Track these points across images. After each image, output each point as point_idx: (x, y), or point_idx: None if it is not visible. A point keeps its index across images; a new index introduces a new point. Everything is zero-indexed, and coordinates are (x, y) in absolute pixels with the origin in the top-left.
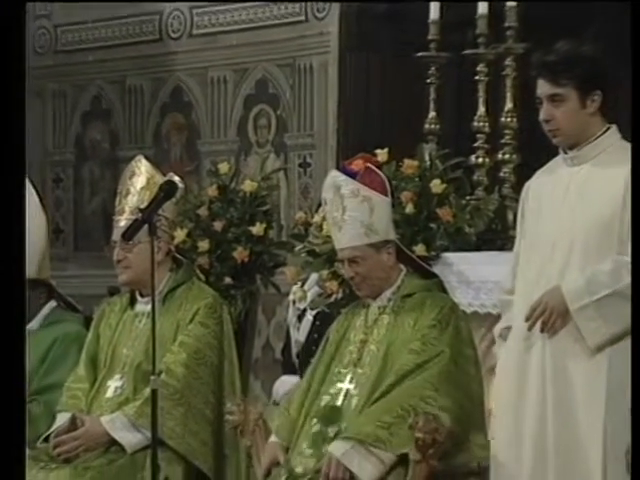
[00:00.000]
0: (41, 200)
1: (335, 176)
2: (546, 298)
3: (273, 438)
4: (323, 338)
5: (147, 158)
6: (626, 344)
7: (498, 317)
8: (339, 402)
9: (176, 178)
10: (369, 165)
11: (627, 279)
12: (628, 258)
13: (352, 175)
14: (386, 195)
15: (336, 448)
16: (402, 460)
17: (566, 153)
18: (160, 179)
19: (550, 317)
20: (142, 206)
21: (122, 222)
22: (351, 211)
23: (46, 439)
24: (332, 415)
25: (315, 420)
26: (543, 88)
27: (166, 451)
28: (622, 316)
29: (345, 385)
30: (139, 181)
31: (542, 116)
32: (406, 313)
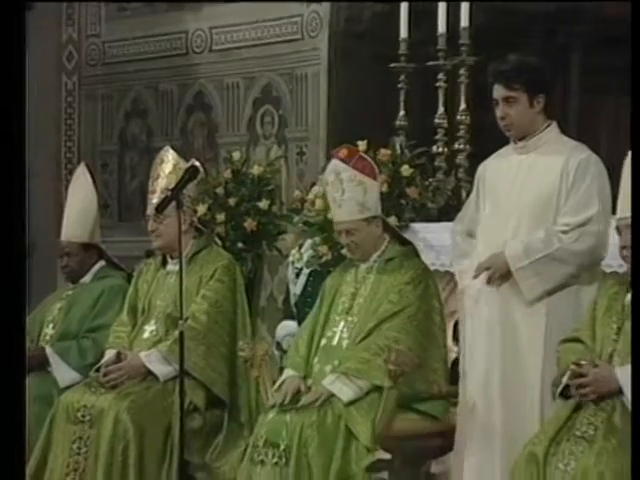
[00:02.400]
0: (93, 181)
1: (336, 164)
2: (492, 259)
3: (290, 372)
4: (319, 291)
5: (173, 148)
6: (561, 295)
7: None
8: (334, 342)
9: (197, 163)
10: (361, 153)
11: (557, 244)
12: (559, 227)
13: (347, 162)
14: (375, 179)
15: (326, 380)
16: (377, 387)
17: (516, 143)
18: (184, 165)
19: (494, 274)
20: (170, 187)
21: (154, 200)
22: (349, 192)
23: (97, 370)
24: (329, 353)
25: (317, 359)
26: (499, 92)
27: (191, 380)
28: (553, 274)
29: (339, 329)
30: (167, 167)
31: (498, 114)
32: (388, 273)
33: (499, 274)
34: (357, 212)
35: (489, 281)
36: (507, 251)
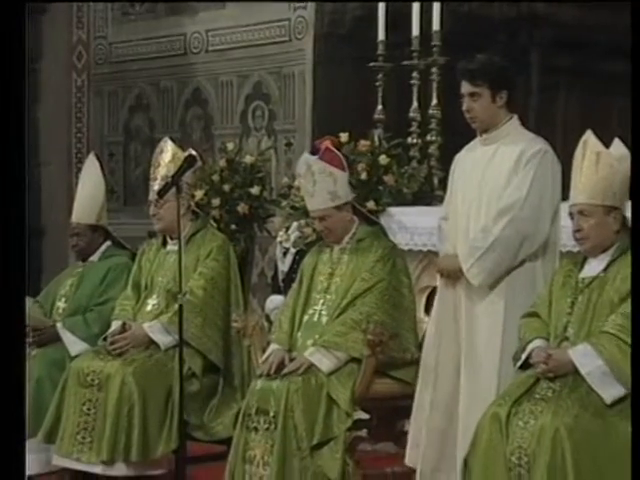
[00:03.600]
0: (101, 169)
1: (307, 158)
2: (443, 263)
3: (275, 346)
4: (299, 269)
5: (172, 139)
6: (518, 275)
7: (427, 253)
8: (315, 319)
9: (194, 152)
10: (329, 146)
11: (491, 238)
12: (495, 219)
13: (315, 153)
14: (344, 170)
15: (307, 352)
16: (354, 358)
17: (481, 136)
18: (181, 154)
19: (448, 275)
20: (170, 174)
21: (155, 186)
22: (320, 183)
23: (104, 339)
24: (310, 329)
25: (300, 334)
26: (465, 87)
27: (189, 349)
28: (495, 264)
29: (318, 307)
30: (166, 156)
31: (464, 107)
32: (360, 253)
33: (452, 273)
34: (329, 200)
35: (441, 276)
36: (460, 253)
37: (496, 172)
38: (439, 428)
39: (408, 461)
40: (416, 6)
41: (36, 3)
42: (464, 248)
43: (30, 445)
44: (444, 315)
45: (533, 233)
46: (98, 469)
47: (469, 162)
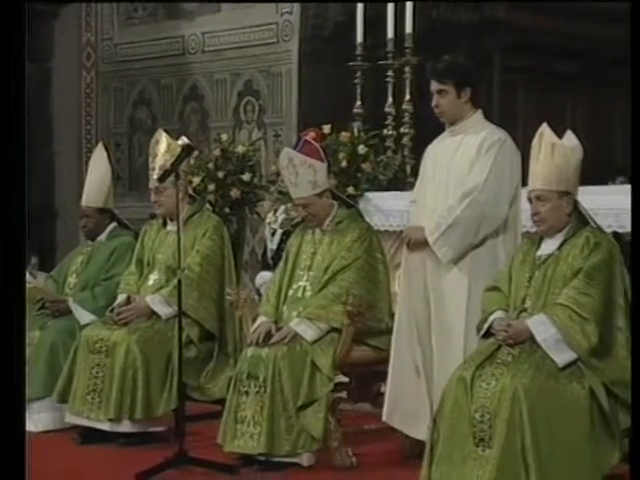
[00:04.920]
0: (109, 158)
1: (287, 152)
2: (410, 232)
3: (263, 318)
4: (285, 249)
5: (166, 130)
6: (481, 253)
7: (400, 233)
8: (299, 294)
9: (186, 140)
10: (308, 139)
11: (453, 216)
12: (458, 200)
13: (295, 146)
14: (322, 161)
15: (292, 323)
16: (334, 328)
17: (449, 128)
18: (175, 144)
19: (414, 243)
20: (167, 164)
21: (155, 175)
22: (301, 174)
23: (111, 310)
24: (295, 302)
25: (285, 307)
26: (433, 85)
27: (187, 319)
28: (458, 240)
29: (302, 283)
30: (162, 147)
31: (433, 103)
32: (339, 234)
33: (414, 242)
34: (310, 189)
35: (408, 246)
36: (427, 227)
37: (461, 159)
38: (414, 387)
39: (386, 418)
40: (390, 11)
41: (47, 8)
42: (431, 223)
43: (45, 404)
44: (416, 289)
45: (492, 214)
46: (106, 426)
47: (439, 151)
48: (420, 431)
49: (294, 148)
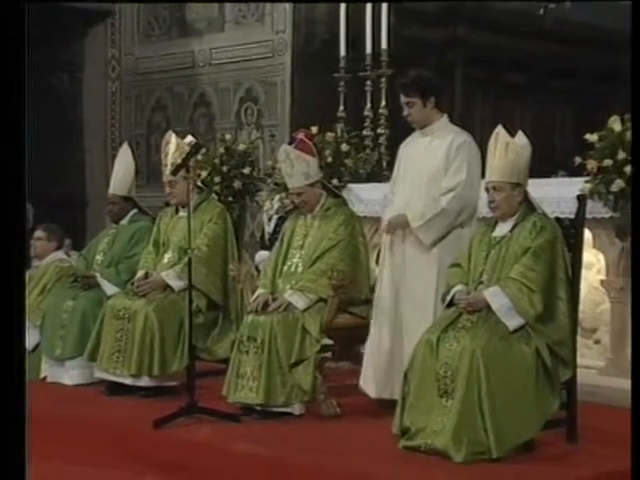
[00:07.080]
0: (133, 155)
1: (286, 148)
2: (392, 219)
3: (261, 290)
4: (281, 231)
5: (175, 132)
6: (448, 236)
7: (377, 219)
8: (292, 270)
9: (192, 139)
10: (302, 138)
11: (439, 207)
12: (442, 190)
13: (293, 142)
14: (314, 156)
15: (286, 294)
16: (322, 298)
17: (420, 130)
18: (183, 144)
19: (393, 227)
20: (177, 161)
21: (167, 171)
22: (297, 167)
23: (132, 284)
24: (289, 276)
25: (280, 281)
26: (402, 98)
27: (196, 291)
28: (440, 227)
29: (295, 260)
30: (172, 146)
31: (404, 114)
32: (327, 219)
33: (398, 228)
34: (304, 180)
35: (389, 231)
36: (409, 214)
37: (432, 157)
38: (389, 351)
39: (362, 384)
40: (369, 30)
41: (79, 27)
42: (415, 211)
43: (78, 362)
44: (394, 266)
45: (468, 205)
46: (128, 381)
47: (411, 149)
48: (392, 392)
49: (290, 145)
